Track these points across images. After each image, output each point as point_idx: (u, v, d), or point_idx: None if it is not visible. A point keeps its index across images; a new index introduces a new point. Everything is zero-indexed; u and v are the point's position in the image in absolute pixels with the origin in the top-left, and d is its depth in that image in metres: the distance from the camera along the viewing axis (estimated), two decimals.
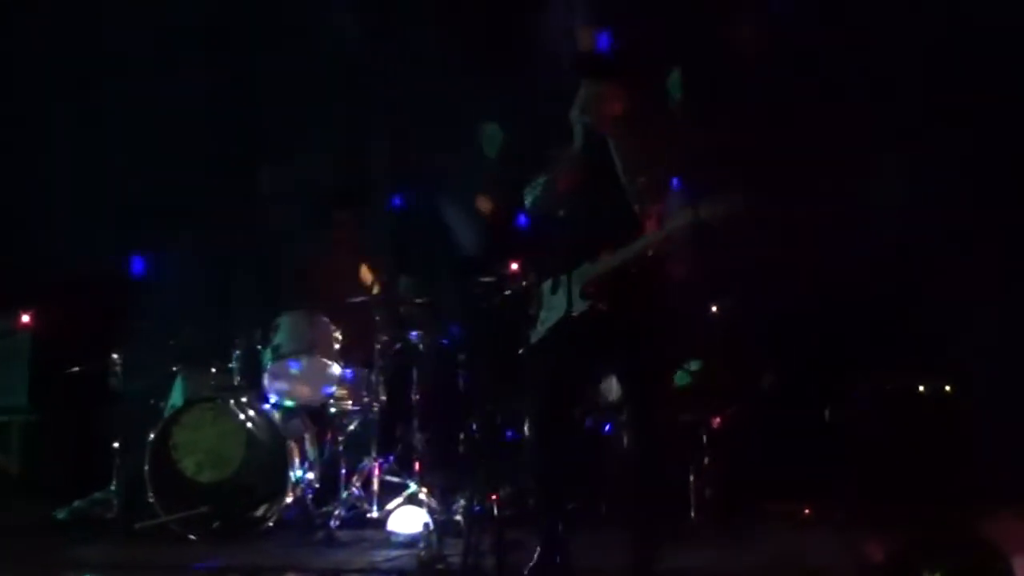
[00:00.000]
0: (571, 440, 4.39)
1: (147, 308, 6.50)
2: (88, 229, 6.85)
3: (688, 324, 5.78)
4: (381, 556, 5.12)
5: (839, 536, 5.21)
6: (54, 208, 6.96)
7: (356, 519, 5.68)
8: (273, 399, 5.73)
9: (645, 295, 4.28)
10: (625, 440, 4.75)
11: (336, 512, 5.59)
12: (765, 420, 5.94)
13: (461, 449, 5.93)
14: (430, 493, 5.70)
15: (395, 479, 5.84)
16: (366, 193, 7.07)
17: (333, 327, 5.83)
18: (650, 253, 4.25)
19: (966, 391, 5.82)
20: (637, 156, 4.33)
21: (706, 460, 5.69)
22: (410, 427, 5.96)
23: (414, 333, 6.05)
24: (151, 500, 5.47)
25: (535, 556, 4.28)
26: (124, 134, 6.97)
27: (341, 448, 5.90)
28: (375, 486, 5.73)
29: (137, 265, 6.17)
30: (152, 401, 5.94)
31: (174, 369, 5.90)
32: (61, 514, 5.84)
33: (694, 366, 5.79)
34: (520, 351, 4.50)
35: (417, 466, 5.86)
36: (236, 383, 5.79)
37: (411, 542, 5.22)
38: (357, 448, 5.90)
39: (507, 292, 5.26)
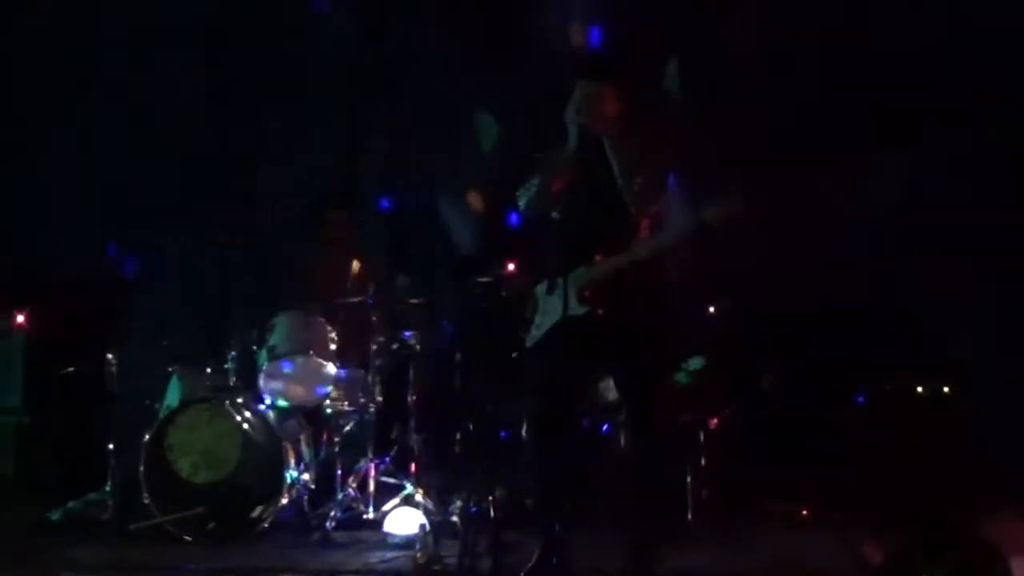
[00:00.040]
0: (569, 441, 4.36)
1: (142, 308, 6.48)
2: (83, 229, 6.85)
3: (686, 325, 5.77)
4: (377, 557, 5.09)
5: (837, 537, 5.20)
6: (49, 208, 6.93)
7: (352, 520, 5.65)
8: (268, 400, 5.71)
9: (643, 299, 4.26)
10: (623, 441, 4.74)
11: (332, 513, 5.57)
12: (763, 421, 5.92)
13: (458, 450, 5.91)
14: (426, 494, 5.68)
15: (391, 480, 5.82)
16: (361, 193, 7.06)
17: (329, 327, 5.81)
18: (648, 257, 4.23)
19: (965, 392, 5.81)
20: (634, 156, 4.31)
21: (704, 461, 5.68)
22: (406, 428, 5.94)
23: (410, 333, 6.02)
24: (146, 501, 5.43)
25: (533, 557, 4.26)
26: (119, 134, 6.95)
27: (337, 449, 5.89)
28: (371, 487, 5.71)
29: (129, 265, 6.13)
30: (147, 402, 5.89)
31: (169, 370, 5.86)
32: (56, 515, 5.80)
33: (693, 365, 5.76)
34: (517, 352, 4.47)
35: (413, 467, 5.84)
36: (232, 384, 5.76)
37: (407, 543, 5.19)
38: (353, 449, 5.88)
39: (503, 294, 5.24)
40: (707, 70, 6.40)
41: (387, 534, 5.45)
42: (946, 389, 5.83)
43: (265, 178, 6.63)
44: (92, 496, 5.86)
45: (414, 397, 5.95)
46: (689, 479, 5.63)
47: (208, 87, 7.16)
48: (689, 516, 5.61)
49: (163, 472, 5.46)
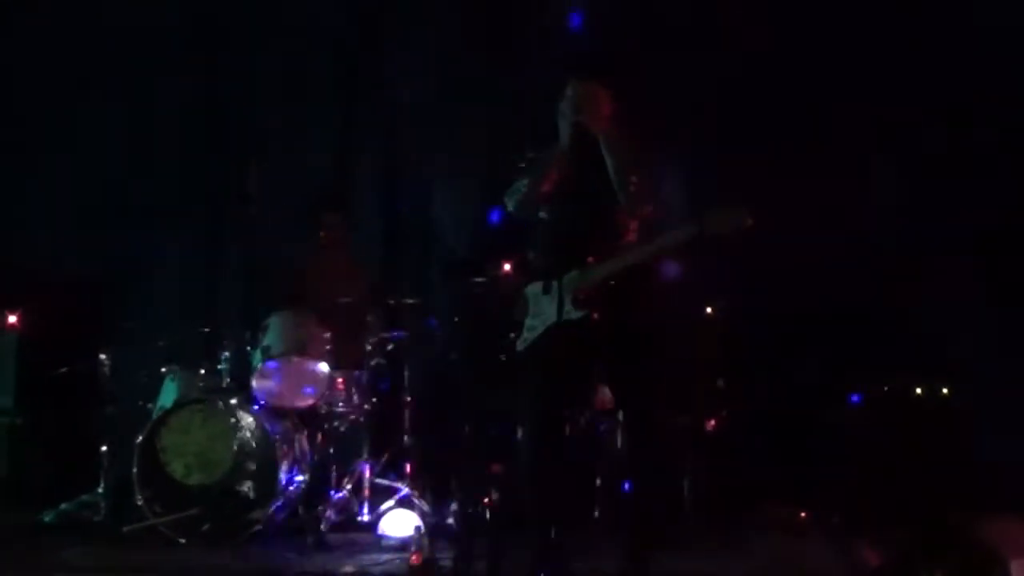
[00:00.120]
0: (565, 443, 4.32)
1: (135, 309, 6.46)
2: (76, 229, 6.82)
3: (683, 327, 5.75)
4: (371, 560, 5.06)
5: (836, 540, 5.17)
6: (42, 207, 6.92)
7: (346, 522, 5.64)
8: (262, 400, 5.67)
9: (640, 302, 4.23)
10: (619, 442, 4.71)
11: (326, 515, 5.54)
12: (761, 422, 5.90)
13: (453, 452, 5.88)
14: (421, 496, 5.65)
15: (386, 482, 5.79)
16: (356, 195, 7.04)
17: (323, 328, 5.78)
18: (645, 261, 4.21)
19: (963, 393, 5.79)
20: (629, 156, 4.27)
21: (701, 464, 5.65)
22: (401, 429, 5.90)
23: (404, 334, 6.00)
24: (139, 503, 5.39)
25: (528, 560, 4.22)
26: (114, 134, 6.93)
27: (331, 450, 5.86)
28: (366, 489, 5.69)
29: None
30: (140, 403, 5.87)
31: (163, 370, 5.83)
32: (48, 517, 5.76)
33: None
34: (507, 354, 4.43)
35: (408, 469, 5.81)
36: (225, 384, 5.73)
37: (402, 546, 5.16)
38: (347, 450, 5.85)
39: (498, 295, 5.21)
40: (706, 70, 6.36)
41: (382, 536, 5.43)
42: (945, 390, 5.81)
43: (259, 179, 6.59)
44: (85, 498, 5.83)
45: (409, 398, 5.92)
46: (686, 481, 5.60)
47: (202, 88, 7.14)
48: (686, 518, 5.59)
49: (156, 474, 5.43)
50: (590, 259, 4.21)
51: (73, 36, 6.91)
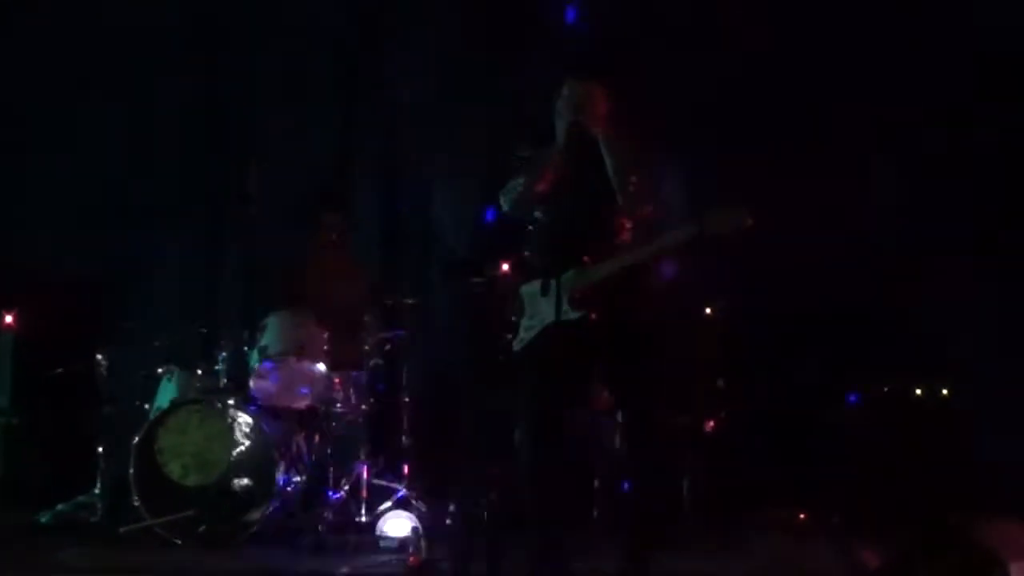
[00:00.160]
0: (564, 443, 4.30)
1: (133, 309, 6.44)
2: (73, 228, 6.80)
3: (683, 327, 5.73)
4: (369, 561, 5.04)
5: (836, 541, 5.15)
6: (38, 207, 6.89)
7: (344, 523, 5.61)
8: (260, 401, 5.65)
9: (639, 303, 4.21)
10: (618, 442, 4.69)
11: (324, 516, 5.52)
12: (761, 423, 5.88)
13: (451, 452, 5.87)
14: (419, 497, 5.63)
15: (384, 483, 5.77)
16: (355, 195, 7.02)
17: (321, 328, 5.76)
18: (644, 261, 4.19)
19: (963, 394, 5.77)
20: (629, 156, 4.26)
21: (701, 464, 5.63)
22: (400, 430, 5.88)
23: (404, 334, 5.98)
24: (136, 504, 5.38)
25: (527, 560, 4.20)
26: (111, 134, 6.91)
27: (329, 451, 5.83)
28: (364, 490, 5.66)
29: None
30: (137, 403, 5.85)
31: (160, 370, 5.81)
32: (44, 518, 5.74)
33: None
34: (508, 354, 4.41)
35: (406, 470, 5.79)
36: (223, 385, 5.71)
37: (400, 547, 5.16)
38: (345, 451, 5.83)
39: (497, 295, 5.20)
40: (706, 70, 6.35)
41: (380, 537, 5.41)
42: (945, 391, 5.79)
43: (259, 179, 6.59)
44: (81, 499, 5.81)
45: (407, 399, 5.90)
46: (686, 482, 5.59)
47: (202, 88, 7.12)
48: (686, 519, 5.57)
49: (153, 475, 5.41)
50: (586, 259, 4.19)
51: (73, 36, 6.89)
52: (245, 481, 5.40)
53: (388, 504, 5.61)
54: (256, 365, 5.67)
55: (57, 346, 6.23)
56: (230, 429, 5.47)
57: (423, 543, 4.77)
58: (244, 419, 5.50)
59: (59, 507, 5.79)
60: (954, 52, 6.16)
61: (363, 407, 5.83)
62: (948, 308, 5.82)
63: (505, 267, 5.35)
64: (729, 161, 6.00)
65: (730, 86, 6.34)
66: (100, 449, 5.81)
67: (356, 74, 7.21)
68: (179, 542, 5.32)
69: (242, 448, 5.45)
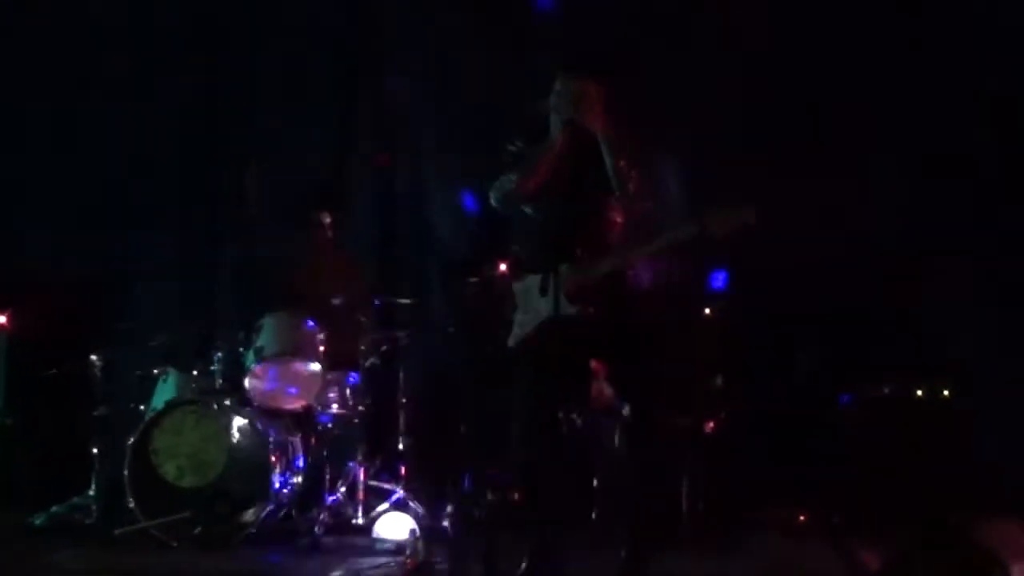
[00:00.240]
0: (560, 442, 4.27)
1: (128, 309, 6.41)
2: (67, 229, 6.78)
3: (683, 327, 5.72)
4: (366, 563, 5.01)
5: (836, 541, 5.12)
6: (32, 207, 6.87)
7: (340, 525, 5.59)
8: (256, 402, 5.62)
9: (636, 301, 4.18)
10: (616, 441, 4.66)
11: (320, 518, 5.49)
12: (761, 423, 5.86)
13: (449, 453, 5.85)
14: (416, 499, 5.61)
15: (381, 484, 5.74)
16: (353, 195, 7.00)
17: (317, 329, 5.73)
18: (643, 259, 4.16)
19: (964, 395, 5.76)
20: (629, 154, 4.23)
21: (700, 464, 5.61)
22: (396, 431, 5.85)
23: (400, 334, 5.96)
24: (131, 505, 5.35)
25: (524, 562, 4.17)
26: (102, 133, 6.88)
27: (326, 452, 5.81)
28: (360, 491, 5.64)
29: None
30: (132, 404, 5.83)
31: (155, 371, 5.78)
32: (39, 520, 5.72)
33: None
34: (503, 352, 4.38)
35: (403, 471, 5.77)
36: (218, 386, 5.68)
37: (397, 549, 5.13)
38: (342, 452, 5.80)
39: (494, 295, 5.18)
40: (706, 69, 6.34)
41: (377, 539, 5.38)
42: (945, 392, 5.78)
43: (259, 179, 6.57)
44: (76, 500, 5.79)
45: (404, 400, 5.88)
46: (685, 482, 5.56)
47: (201, 87, 7.10)
48: (685, 519, 5.55)
49: (148, 476, 5.38)
50: (579, 252, 4.15)
51: (73, 36, 6.88)
52: (242, 486, 5.36)
53: (385, 506, 5.59)
54: (252, 366, 5.64)
55: (52, 346, 6.21)
56: (226, 430, 5.44)
57: (420, 545, 4.76)
58: (240, 420, 5.47)
59: (54, 509, 5.77)
60: (954, 52, 6.13)
61: (360, 408, 5.80)
62: (948, 308, 5.80)
63: (503, 267, 5.33)
64: (729, 161, 5.98)
65: (730, 86, 6.32)
66: (95, 450, 5.78)
67: (356, 74, 7.19)
68: (174, 544, 5.29)
69: (238, 449, 5.42)
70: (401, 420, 5.90)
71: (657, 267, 4.39)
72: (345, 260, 6.31)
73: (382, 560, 5.05)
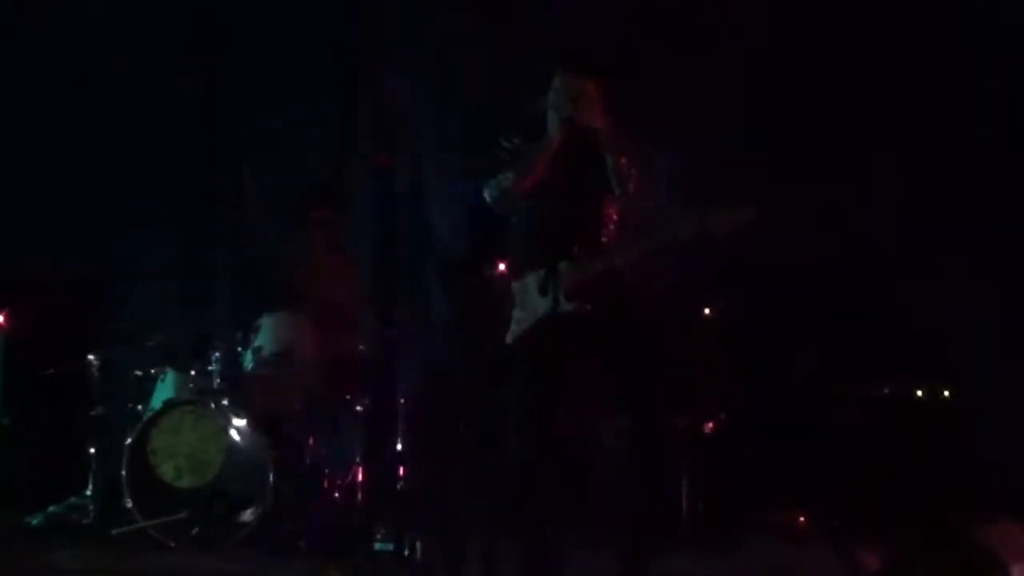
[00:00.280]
0: (558, 441, 4.26)
1: (125, 309, 6.40)
2: (64, 229, 6.77)
3: (682, 327, 5.71)
4: (364, 563, 5.01)
5: (835, 544, 5.11)
6: (29, 207, 6.86)
7: (339, 526, 5.53)
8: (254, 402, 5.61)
9: (634, 299, 4.17)
10: (615, 442, 4.63)
11: (318, 518, 5.45)
12: (760, 424, 5.86)
13: (448, 452, 5.84)
14: (415, 498, 5.60)
15: (379, 484, 5.74)
16: (352, 195, 7.00)
17: (316, 328, 5.72)
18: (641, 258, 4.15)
19: (964, 396, 5.75)
20: (629, 153, 4.22)
21: (700, 465, 5.60)
22: (395, 430, 5.85)
23: (400, 334, 5.96)
24: (128, 506, 5.34)
25: (522, 564, 4.15)
26: (100, 133, 6.88)
27: (323, 452, 5.78)
28: (359, 491, 5.62)
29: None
30: (130, 405, 5.82)
31: (153, 371, 5.77)
32: (36, 520, 5.70)
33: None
34: (500, 347, 4.37)
35: (402, 470, 5.76)
36: (216, 386, 5.67)
37: (396, 548, 5.11)
38: (341, 452, 5.78)
39: (494, 295, 5.17)
40: (707, 69, 6.34)
41: (375, 539, 5.33)
42: (945, 392, 5.78)
43: (251, 177, 6.56)
44: (73, 500, 5.77)
45: (403, 399, 5.87)
46: (685, 483, 5.56)
47: (188, 85, 7.10)
48: (685, 520, 5.54)
49: (146, 476, 5.37)
50: (576, 249, 4.14)
51: (73, 36, 6.87)
52: (240, 486, 5.35)
53: (383, 506, 5.56)
54: (250, 366, 5.63)
55: (49, 346, 6.19)
56: (224, 430, 5.43)
57: (418, 545, 4.74)
58: (238, 421, 5.45)
59: (51, 509, 5.75)
60: (954, 52, 6.13)
61: (358, 408, 5.78)
62: (948, 308, 5.80)
63: (502, 267, 5.32)
64: (729, 161, 5.97)
65: (730, 86, 6.32)
66: (92, 450, 5.77)
67: (355, 74, 7.19)
68: (172, 544, 5.27)
69: (235, 449, 5.41)
70: (400, 420, 5.89)
71: (656, 266, 4.38)
72: (345, 260, 6.30)
73: (380, 560, 5.03)
